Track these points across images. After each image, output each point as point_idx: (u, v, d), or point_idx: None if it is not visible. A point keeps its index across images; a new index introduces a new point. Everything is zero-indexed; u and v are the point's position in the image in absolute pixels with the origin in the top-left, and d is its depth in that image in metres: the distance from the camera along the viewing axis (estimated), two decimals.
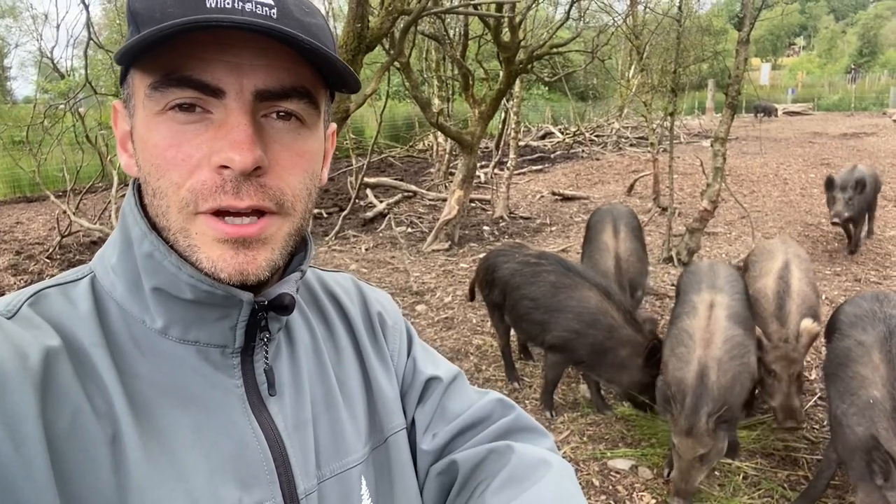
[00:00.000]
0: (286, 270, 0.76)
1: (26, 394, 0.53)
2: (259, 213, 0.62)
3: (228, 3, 0.58)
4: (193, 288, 0.63)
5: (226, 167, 0.59)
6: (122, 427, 0.59)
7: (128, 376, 0.62)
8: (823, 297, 5.22)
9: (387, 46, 6.27)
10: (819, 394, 3.75)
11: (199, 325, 0.66)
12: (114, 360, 0.62)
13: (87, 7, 5.76)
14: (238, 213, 0.61)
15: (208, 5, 0.58)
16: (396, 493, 0.81)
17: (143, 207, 0.67)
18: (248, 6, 0.59)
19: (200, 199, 0.60)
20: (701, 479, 2.73)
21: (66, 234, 7.71)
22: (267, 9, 0.60)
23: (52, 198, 8.46)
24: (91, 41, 6.27)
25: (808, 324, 3.08)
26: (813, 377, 3.96)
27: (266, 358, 0.71)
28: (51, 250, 7.48)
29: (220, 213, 0.61)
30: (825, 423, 3.46)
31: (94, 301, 0.65)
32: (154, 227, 0.65)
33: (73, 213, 7.72)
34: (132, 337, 0.65)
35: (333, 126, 0.79)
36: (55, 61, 7.94)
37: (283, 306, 0.70)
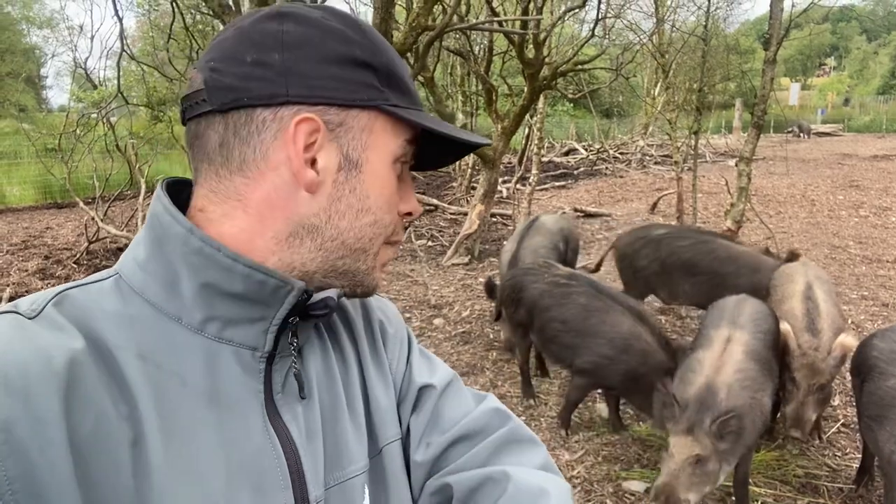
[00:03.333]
0: None
1: (51, 397, 0.54)
2: None
3: None
4: (246, 278, 0.65)
5: (409, 214, 0.79)
6: (145, 429, 0.59)
7: (153, 377, 0.62)
8: (849, 321, 5.11)
9: (411, 62, 6.34)
10: (842, 420, 3.66)
11: (237, 324, 0.67)
12: (139, 361, 0.62)
13: (120, 20, 5.91)
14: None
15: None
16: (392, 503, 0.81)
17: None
18: None
19: (393, 233, 0.78)
20: (686, 496, 2.44)
21: (93, 240, 7.86)
22: None
23: (82, 204, 8.64)
24: (124, 52, 6.43)
25: (844, 339, 2.95)
26: (836, 403, 3.86)
27: (294, 363, 0.72)
28: (78, 256, 7.63)
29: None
30: (847, 450, 3.38)
31: (119, 300, 0.65)
32: (343, 243, 0.73)
33: (101, 220, 7.88)
34: (161, 336, 0.65)
35: None
36: (89, 71, 8.15)
37: (325, 305, 0.73)
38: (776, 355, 3.04)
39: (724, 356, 2.78)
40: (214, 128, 0.67)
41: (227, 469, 0.63)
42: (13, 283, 6.55)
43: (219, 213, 0.69)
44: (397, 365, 0.91)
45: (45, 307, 0.61)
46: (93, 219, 7.91)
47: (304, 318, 0.72)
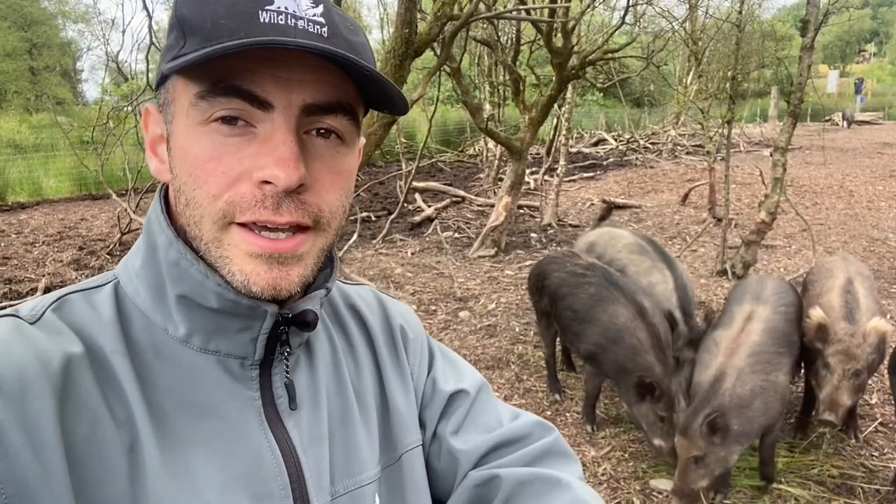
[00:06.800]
0: (310, 286, 0.75)
1: (46, 400, 0.54)
2: (295, 227, 0.63)
3: (282, 20, 0.58)
4: (219, 297, 0.63)
5: (268, 183, 0.59)
6: (141, 436, 0.59)
7: (147, 385, 0.62)
8: (888, 316, 4.95)
9: (437, 52, 6.29)
10: (879, 419, 3.54)
11: (221, 334, 0.66)
12: (134, 368, 0.62)
13: (150, 14, 5.98)
14: (275, 228, 0.61)
15: (261, 20, 0.58)
16: None
17: (169, 214, 0.67)
18: (300, 23, 0.59)
19: (238, 211, 0.60)
20: (700, 485, 2.65)
21: (126, 231, 8.01)
22: (319, 27, 0.60)
23: (115, 196, 8.82)
24: (153, 46, 6.50)
25: (876, 322, 2.91)
26: (873, 402, 3.74)
27: (287, 371, 0.71)
28: (111, 246, 7.79)
29: (255, 225, 0.61)
30: (885, 450, 3.27)
31: (116, 307, 0.65)
32: (182, 234, 0.65)
33: (134, 211, 8.03)
34: (153, 345, 0.65)
35: (362, 140, 0.80)
36: (120, 65, 8.26)
37: (306, 322, 0.70)
38: (797, 328, 3.11)
39: (741, 336, 2.90)
40: None
41: (222, 478, 0.62)
42: (48, 274, 6.71)
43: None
44: (419, 371, 0.89)
45: (44, 312, 0.62)
46: (125, 210, 8.06)
47: (296, 324, 0.70)
